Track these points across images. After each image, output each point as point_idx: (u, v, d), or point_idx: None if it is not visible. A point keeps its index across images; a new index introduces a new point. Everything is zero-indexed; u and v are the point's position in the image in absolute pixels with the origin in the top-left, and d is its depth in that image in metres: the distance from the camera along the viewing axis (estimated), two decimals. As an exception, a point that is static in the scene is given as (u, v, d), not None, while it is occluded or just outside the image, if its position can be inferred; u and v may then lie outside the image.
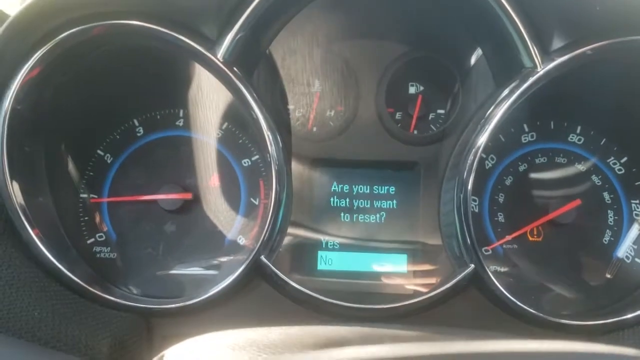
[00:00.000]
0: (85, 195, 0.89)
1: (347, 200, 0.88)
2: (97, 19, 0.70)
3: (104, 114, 0.88)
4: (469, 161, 0.75)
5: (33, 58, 0.69)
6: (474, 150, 0.75)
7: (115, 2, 0.68)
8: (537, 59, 0.70)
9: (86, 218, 0.88)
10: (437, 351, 0.38)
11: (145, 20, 0.69)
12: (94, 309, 0.74)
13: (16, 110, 0.70)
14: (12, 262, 0.72)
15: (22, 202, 0.73)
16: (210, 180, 0.90)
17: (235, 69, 0.73)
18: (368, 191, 0.88)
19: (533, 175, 0.89)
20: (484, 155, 0.87)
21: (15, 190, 0.72)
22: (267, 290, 0.82)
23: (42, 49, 0.70)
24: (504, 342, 0.36)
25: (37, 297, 0.71)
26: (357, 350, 0.37)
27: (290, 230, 0.85)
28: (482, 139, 0.74)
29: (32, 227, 0.73)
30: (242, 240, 0.88)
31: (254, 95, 0.73)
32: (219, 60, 0.71)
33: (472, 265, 0.75)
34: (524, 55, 0.71)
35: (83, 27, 0.69)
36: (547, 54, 0.71)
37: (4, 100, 0.69)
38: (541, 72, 0.70)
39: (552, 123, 0.90)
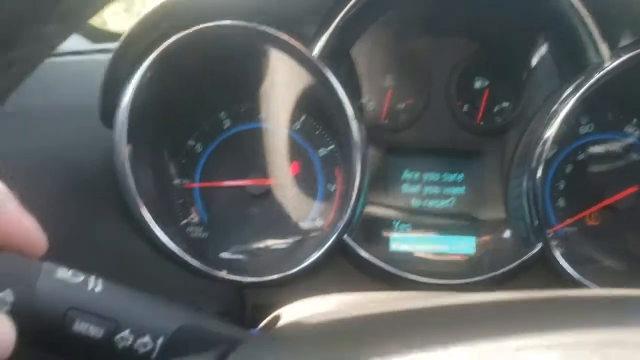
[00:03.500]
0: (178, 181, 0.98)
1: (418, 186, 0.96)
2: (203, 21, 0.79)
3: (195, 108, 0.97)
4: (537, 152, 0.82)
5: (149, 59, 0.79)
6: (542, 141, 0.82)
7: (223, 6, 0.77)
8: (604, 54, 0.76)
9: (180, 201, 0.97)
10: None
11: (253, 20, 0.77)
12: (198, 282, 0.83)
13: (134, 103, 0.80)
14: (127, 239, 0.82)
15: (136, 185, 0.82)
16: (289, 168, 0.98)
17: (326, 64, 0.81)
18: (438, 178, 0.96)
19: (591, 163, 0.95)
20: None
21: (130, 174, 0.82)
22: (346, 267, 0.90)
23: (155, 51, 0.79)
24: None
25: (150, 270, 0.81)
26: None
27: (366, 213, 0.93)
28: (550, 132, 0.81)
29: (143, 206, 0.83)
30: (319, 223, 0.96)
31: (343, 89, 0.81)
32: (313, 57, 0.80)
33: (540, 245, 0.82)
34: (591, 50, 0.77)
35: (195, 28, 0.78)
36: (614, 49, 0.77)
37: (126, 94, 0.79)
38: (608, 68, 0.77)
39: (610, 114, 0.96)
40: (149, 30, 0.78)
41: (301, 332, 0.37)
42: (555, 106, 0.82)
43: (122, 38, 0.77)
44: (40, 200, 0.77)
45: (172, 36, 0.79)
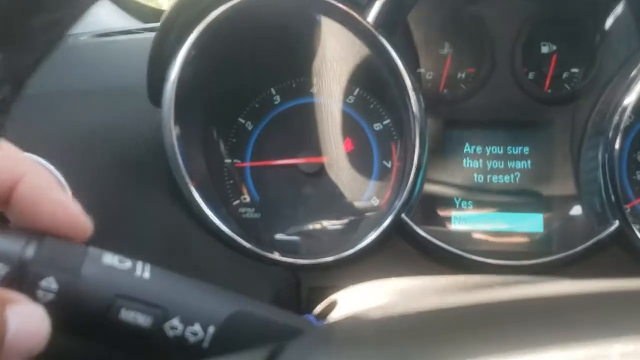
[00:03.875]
0: (229, 161, 0.95)
1: (480, 161, 0.90)
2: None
3: (244, 84, 0.94)
4: (614, 121, 0.75)
5: (195, 33, 0.76)
6: (620, 109, 0.75)
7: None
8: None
9: (231, 182, 0.95)
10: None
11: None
12: (251, 264, 0.81)
13: (181, 80, 0.77)
14: (178, 220, 0.80)
15: (185, 163, 0.80)
16: (343, 144, 0.94)
17: (381, 31, 0.77)
18: (501, 152, 0.90)
19: (673, 132, 0.87)
20: (623, 114, 0.86)
21: (179, 152, 0.79)
22: (404, 247, 0.85)
23: (200, 25, 0.76)
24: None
25: (202, 252, 0.79)
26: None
27: (425, 191, 0.88)
28: (630, 100, 0.75)
29: (194, 188, 0.80)
30: (375, 202, 0.92)
31: (399, 57, 0.77)
32: (369, 23, 0.75)
33: (617, 222, 0.76)
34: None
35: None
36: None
37: (172, 71, 0.76)
38: (697, 25, 0.69)
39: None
40: (193, 3, 0.75)
41: (361, 331, 0.33)
42: (635, 71, 0.75)
43: (166, 12, 0.75)
44: (90, 180, 0.77)
45: (217, 8, 0.76)
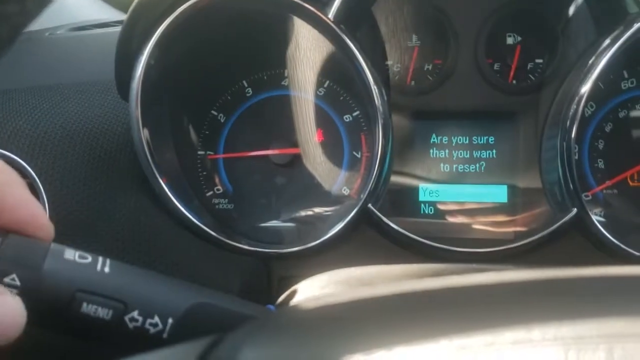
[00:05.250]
0: (202, 152, 0.97)
1: (446, 151, 0.92)
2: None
3: (216, 77, 0.95)
4: (572, 110, 0.77)
5: (160, 29, 0.77)
6: (577, 98, 0.77)
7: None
8: (644, 4, 0.71)
9: (204, 173, 0.96)
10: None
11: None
12: (221, 254, 0.83)
13: (147, 75, 0.78)
14: (148, 213, 0.81)
15: (154, 157, 0.81)
16: (315, 135, 0.95)
17: (342, 27, 0.78)
18: (467, 142, 0.92)
19: (633, 121, 0.89)
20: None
21: (147, 147, 0.81)
22: (373, 236, 0.87)
23: (166, 21, 0.77)
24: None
25: (172, 243, 0.81)
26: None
27: (392, 180, 0.90)
28: (585, 88, 0.76)
29: (163, 180, 0.82)
30: (346, 191, 0.94)
31: (361, 52, 0.78)
32: (329, 19, 0.76)
33: (575, 210, 0.78)
34: (629, 0, 0.72)
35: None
36: (654, -2, 0.71)
37: (137, 67, 0.78)
38: (648, 18, 0.71)
39: (652, 69, 0.89)
40: (157, 1, 0.76)
41: (292, 321, 0.36)
42: (592, 60, 0.77)
43: (130, 9, 0.76)
44: (62, 174, 0.78)
45: (180, 6, 0.77)
